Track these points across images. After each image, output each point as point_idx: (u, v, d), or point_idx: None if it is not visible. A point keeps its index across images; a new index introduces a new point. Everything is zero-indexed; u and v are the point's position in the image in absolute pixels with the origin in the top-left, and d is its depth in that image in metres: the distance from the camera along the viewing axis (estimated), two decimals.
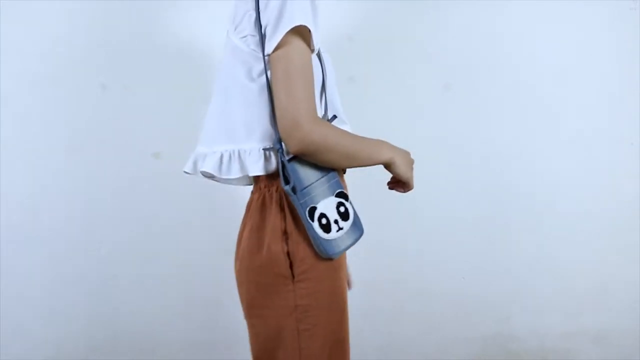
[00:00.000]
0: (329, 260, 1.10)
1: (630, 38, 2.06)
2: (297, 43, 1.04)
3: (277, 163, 1.08)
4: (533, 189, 2.08)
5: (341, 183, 1.13)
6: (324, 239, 1.08)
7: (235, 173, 1.11)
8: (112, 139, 1.96)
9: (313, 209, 1.08)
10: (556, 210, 2.08)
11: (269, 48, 1.04)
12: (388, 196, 2.05)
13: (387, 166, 1.16)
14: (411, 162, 1.21)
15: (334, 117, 1.14)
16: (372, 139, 1.15)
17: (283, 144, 1.06)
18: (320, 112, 1.13)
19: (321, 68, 1.15)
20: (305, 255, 1.09)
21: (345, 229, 1.11)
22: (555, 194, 2.08)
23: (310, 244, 1.09)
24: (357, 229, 1.13)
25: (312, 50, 1.08)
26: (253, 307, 1.14)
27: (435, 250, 2.08)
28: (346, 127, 1.19)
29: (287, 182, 1.07)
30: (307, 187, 1.08)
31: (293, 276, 1.09)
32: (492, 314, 2.10)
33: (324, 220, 1.08)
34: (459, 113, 2.05)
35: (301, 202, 1.07)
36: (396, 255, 2.06)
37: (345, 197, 1.12)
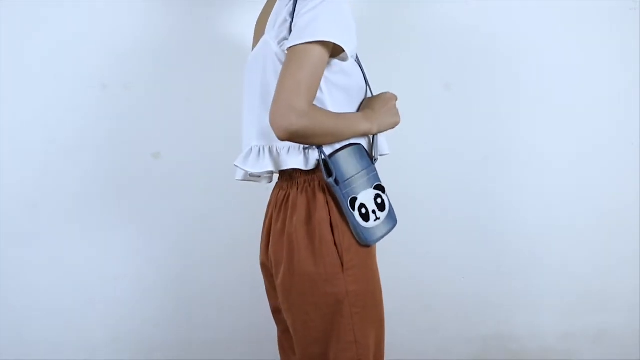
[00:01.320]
0: (367, 247, 1.21)
1: (630, 38, 2.06)
2: (313, 51, 1.09)
3: (318, 158, 1.17)
4: (533, 188, 2.08)
5: (378, 176, 1.23)
6: (363, 227, 1.18)
7: (266, 166, 1.20)
8: (112, 139, 1.96)
9: (354, 199, 1.18)
10: (556, 209, 2.08)
11: (287, 46, 1.12)
12: (388, 197, 2.06)
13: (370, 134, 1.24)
14: (391, 108, 1.26)
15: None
16: (350, 114, 1.20)
17: None
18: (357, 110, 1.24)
19: (363, 75, 1.25)
20: (351, 244, 1.18)
21: (381, 219, 1.21)
22: (555, 194, 2.08)
23: (352, 234, 1.18)
24: (392, 219, 1.24)
25: (344, 59, 1.17)
26: (305, 295, 1.19)
27: (435, 250, 2.08)
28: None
29: (329, 175, 1.16)
30: (348, 179, 1.17)
31: (342, 264, 1.17)
32: (492, 314, 2.10)
33: (363, 210, 1.19)
34: (459, 113, 2.04)
35: (343, 192, 1.16)
36: (396, 255, 2.06)
37: (383, 189, 1.23)
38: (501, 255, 2.08)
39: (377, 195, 1.22)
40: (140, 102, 1.97)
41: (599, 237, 2.09)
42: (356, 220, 1.17)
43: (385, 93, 1.27)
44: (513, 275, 2.09)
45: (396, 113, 1.27)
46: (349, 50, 1.15)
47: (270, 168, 1.20)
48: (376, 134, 1.25)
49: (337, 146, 1.18)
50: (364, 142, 1.23)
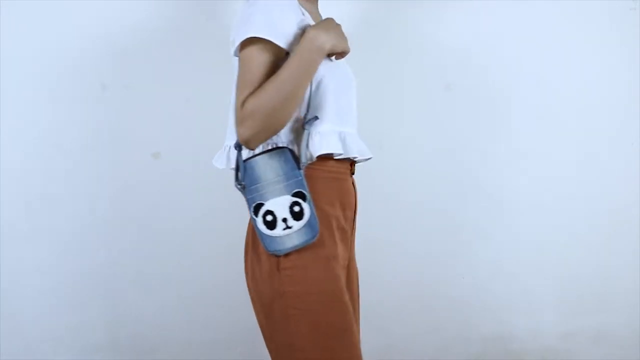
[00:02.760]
0: (316, 249, 1.15)
1: (630, 38, 2.06)
2: (251, 51, 1.13)
3: (236, 160, 1.16)
4: (533, 188, 2.08)
5: (305, 183, 1.13)
6: (265, 234, 1.14)
7: (220, 164, 1.24)
8: (112, 139, 1.96)
9: (259, 205, 1.14)
10: (556, 210, 2.08)
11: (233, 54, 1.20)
12: (388, 196, 2.06)
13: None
14: (341, 33, 1.19)
15: (315, 117, 1.16)
16: (295, 58, 1.11)
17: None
18: (302, 112, 1.17)
19: (337, 73, 1.21)
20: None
21: (294, 229, 1.13)
22: (556, 194, 2.08)
23: None
24: (310, 230, 1.13)
25: (284, 51, 1.13)
26: (251, 291, 1.24)
27: (435, 250, 2.08)
28: (350, 130, 1.23)
29: (236, 178, 1.16)
30: (257, 184, 1.14)
31: (278, 263, 1.15)
32: (492, 314, 2.10)
33: (269, 217, 1.13)
34: (459, 113, 2.04)
35: (248, 197, 1.15)
36: (396, 255, 2.06)
37: (304, 197, 1.13)
38: (501, 255, 2.08)
39: (295, 203, 1.13)
40: (140, 102, 1.97)
41: (599, 237, 2.09)
42: (257, 227, 1.14)
43: (331, 19, 1.19)
44: (513, 275, 2.09)
45: (346, 39, 1.20)
46: (272, 38, 1.11)
47: (222, 166, 1.24)
48: (329, 54, 1.17)
49: (257, 150, 1.15)
50: (294, 147, 1.17)
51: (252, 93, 1.10)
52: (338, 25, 1.19)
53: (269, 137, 1.13)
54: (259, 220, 1.14)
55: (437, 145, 2.05)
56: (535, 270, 2.09)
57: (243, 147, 1.14)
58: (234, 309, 2.01)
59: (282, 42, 1.12)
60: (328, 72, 1.19)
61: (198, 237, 1.99)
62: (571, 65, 2.06)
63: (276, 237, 1.14)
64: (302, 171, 1.14)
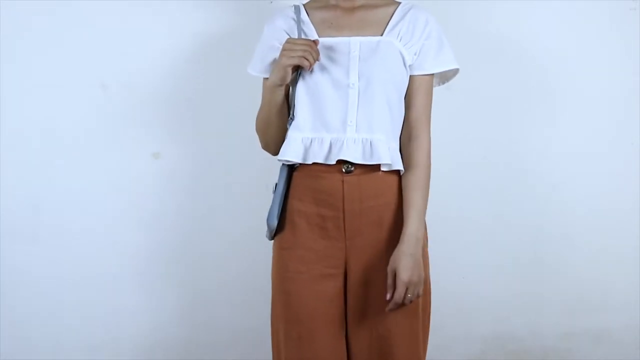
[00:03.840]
0: (277, 239, 1.33)
1: (630, 38, 2.06)
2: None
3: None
4: (533, 188, 2.07)
5: (283, 172, 1.32)
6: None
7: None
8: (112, 139, 1.96)
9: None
10: (556, 209, 2.08)
11: None
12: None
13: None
14: (276, 67, 1.28)
15: (290, 119, 1.32)
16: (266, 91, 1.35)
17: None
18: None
19: (310, 82, 1.30)
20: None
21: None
22: (555, 194, 2.08)
23: None
24: (268, 218, 1.32)
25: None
26: None
27: (435, 250, 2.07)
28: (323, 136, 1.29)
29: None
30: (276, 185, 1.34)
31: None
32: (492, 314, 2.10)
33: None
34: (459, 113, 2.04)
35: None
36: None
37: (274, 187, 1.33)
38: (501, 255, 2.08)
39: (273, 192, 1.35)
40: (141, 102, 1.97)
41: (599, 237, 2.08)
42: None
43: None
44: (513, 275, 2.09)
45: (282, 55, 1.25)
46: (256, 72, 1.38)
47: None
48: (278, 83, 1.29)
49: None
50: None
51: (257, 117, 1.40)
52: (287, 41, 1.27)
53: (274, 150, 1.36)
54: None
55: (435, 145, 2.04)
56: (535, 270, 2.09)
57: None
58: (234, 309, 2.02)
59: (259, 71, 1.38)
60: (301, 81, 1.30)
61: (198, 237, 1.99)
62: (571, 65, 2.06)
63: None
64: (282, 170, 1.33)
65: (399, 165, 1.32)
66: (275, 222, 1.29)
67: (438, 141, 2.07)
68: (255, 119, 1.41)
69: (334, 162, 1.26)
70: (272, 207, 1.30)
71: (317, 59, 1.25)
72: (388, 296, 1.22)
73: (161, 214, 1.99)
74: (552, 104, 2.07)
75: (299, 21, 1.32)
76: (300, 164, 1.29)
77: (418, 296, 1.26)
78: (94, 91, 1.94)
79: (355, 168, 1.27)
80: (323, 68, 1.27)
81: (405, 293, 1.23)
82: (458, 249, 2.07)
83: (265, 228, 1.34)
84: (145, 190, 1.97)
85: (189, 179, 1.98)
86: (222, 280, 2.01)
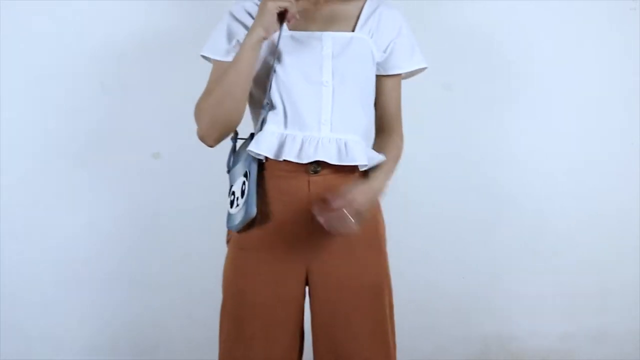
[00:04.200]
0: (236, 239, 1.26)
1: (630, 38, 2.06)
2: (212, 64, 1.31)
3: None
4: (533, 188, 2.08)
5: (254, 164, 1.21)
6: (228, 212, 1.26)
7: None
8: (112, 139, 1.96)
9: (231, 187, 1.27)
10: (556, 209, 2.08)
11: None
12: (388, 196, 2.06)
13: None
14: (262, 10, 1.20)
15: (268, 104, 1.23)
16: (234, 60, 1.22)
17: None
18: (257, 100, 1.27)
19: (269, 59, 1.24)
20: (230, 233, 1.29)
21: (239, 207, 1.21)
22: (556, 194, 2.08)
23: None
24: (245, 209, 1.19)
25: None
26: None
27: (435, 250, 2.08)
28: (296, 134, 1.23)
29: (227, 166, 1.31)
30: (232, 169, 1.28)
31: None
32: (492, 314, 2.10)
33: (231, 197, 1.25)
34: (459, 113, 2.04)
35: (230, 180, 1.28)
36: (396, 255, 2.06)
37: (247, 176, 1.22)
38: (501, 256, 2.08)
39: (243, 183, 1.21)
40: (140, 102, 1.97)
41: (598, 237, 2.08)
42: (228, 206, 1.26)
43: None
44: (513, 275, 2.09)
45: (264, 12, 1.18)
46: (213, 54, 1.29)
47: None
48: (262, 35, 1.19)
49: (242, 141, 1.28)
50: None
51: (201, 98, 1.27)
52: (261, 6, 1.19)
53: (222, 133, 1.25)
54: (229, 200, 1.25)
55: (436, 145, 2.05)
56: (535, 271, 2.09)
57: (236, 139, 1.30)
58: None
59: (214, 54, 1.30)
60: (283, 71, 1.23)
61: (198, 237, 1.99)
62: (571, 65, 2.06)
63: (231, 214, 1.24)
64: (248, 154, 1.22)
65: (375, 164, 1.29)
66: (255, 211, 1.18)
67: (437, 141, 2.08)
68: (198, 103, 1.27)
69: (306, 162, 1.20)
70: (249, 196, 1.18)
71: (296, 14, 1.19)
72: (333, 204, 1.14)
73: (161, 213, 1.99)
74: (552, 104, 2.07)
75: None
76: (266, 159, 1.22)
77: (354, 225, 1.15)
78: (94, 91, 1.94)
79: (322, 169, 1.22)
80: (294, 62, 1.22)
81: (346, 210, 1.13)
82: (458, 249, 2.07)
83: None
84: (145, 190, 1.97)
85: (189, 179, 1.98)
86: (222, 280, 2.00)
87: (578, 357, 2.11)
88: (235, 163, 1.28)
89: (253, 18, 1.24)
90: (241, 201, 1.19)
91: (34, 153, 1.93)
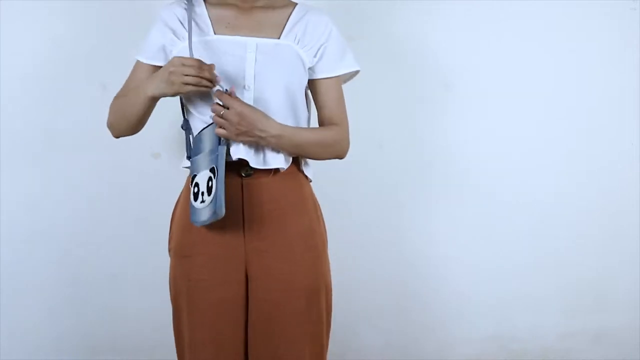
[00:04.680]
0: (178, 247, 1.33)
1: (630, 38, 2.06)
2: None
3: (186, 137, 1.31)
4: (533, 188, 2.08)
5: (222, 160, 1.19)
6: (191, 204, 1.23)
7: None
8: (112, 139, 1.95)
9: (194, 176, 1.24)
10: (556, 209, 2.08)
11: None
12: (387, 196, 2.06)
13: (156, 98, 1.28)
14: (165, 72, 1.21)
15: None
16: (137, 88, 1.29)
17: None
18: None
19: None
20: (172, 230, 1.38)
21: (206, 203, 1.20)
22: (555, 194, 2.08)
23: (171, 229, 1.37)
24: (212, 207, 1.18)
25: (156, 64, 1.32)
26: None
27: (435, 250, 2.08)
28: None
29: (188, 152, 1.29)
30: (196, 156, 1.25)
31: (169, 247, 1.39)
32: (492, 314, 2.10)
33: (195, 189, 1.22)
34: (459, 113, 2.05)
35: (191, 168, 1.26)
36: (396, 255, 2.06)
37: (214, 173, 1.19)
38: (501, 255, 2.08)
39: (210, 179, 1.19)
40: None
41: (598, 237, 2.09)
42: (190, 196, 1.23)
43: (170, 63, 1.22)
44: (513, 275, 2.09)
45: (167, 79, 1.20)
46: (145, 59, 1.34)
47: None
48: (154, 97, 1.27)
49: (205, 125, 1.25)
50: None
51: (117, 95, 1.37)
52: (174, 62, 1.20)
53: (124, 134, 1.41)
54: (192, 190, 1.23)
55: (436, 145, 2.05)
56: (535, 270, 2.09)
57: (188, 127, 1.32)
58: None
59: (143, 57, 1.35)
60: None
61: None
62: (571, 65, 2.06)
63: (197, 209, 1.22)
64: (224, 147, 1.21)
65: (300, 165, 1.33)
66: (223, 212, 1.17)
67: (438, 141, 2.08)
68: (114, 98, 1.38)
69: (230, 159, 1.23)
70: (218, 194, 1.17)
71: (216, 80, 1.20)
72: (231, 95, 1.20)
73: (161, 213, 1.98)
74: (552, 104, 2.07)
75: (190, 14, 1.28)
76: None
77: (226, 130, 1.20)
78: (94, 91, 1.94)
79: (254, 172, 1.26)
80: (218, 68, 1.23)
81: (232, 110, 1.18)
82: (458, 249, 2.07)
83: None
84: (145, 190, 1.97)
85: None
86: None
87: (577, 356, 2.11)
88: (197, 151, 1.26)
89: (182, 24, 1.29)
90: (208, 198, 1.19)
91: (34, 153, 1.93)
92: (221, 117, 1.19)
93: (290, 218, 1.28)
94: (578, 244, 2.08)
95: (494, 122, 2.06)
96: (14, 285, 1.94)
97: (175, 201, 1.42)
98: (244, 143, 1.23)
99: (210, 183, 1.19)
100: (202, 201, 1.20)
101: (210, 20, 1.30)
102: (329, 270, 1.34)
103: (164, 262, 2.00)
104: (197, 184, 1.22)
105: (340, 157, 1.36)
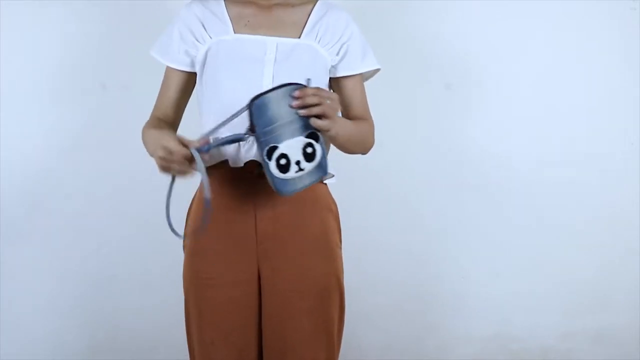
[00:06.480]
0: (191, 245, 1.31)
1: (630, 38, 2.06)
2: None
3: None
4: (533, 188, 2.08)
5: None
6: (278, 178, 1.11)
7: None
8: (112, 139, 1.96)
9: (273, 148, 1.10)
10: (556, 209, 2.08)
11: None
12: (388, 196, 2.06)
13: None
14: (155, 151, 1.22)
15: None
16: (155, 138, 1.29)
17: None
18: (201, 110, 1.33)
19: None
20: (190, 230, 1.33)
21: (306, 170, 1.12)
22: (555, 194, 2.08)
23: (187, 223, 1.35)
24: (321, 170, 1.14)
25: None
26: None
27: (435, 250, 2.08)
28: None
29: (251, 128, 1.11)
30: (271, 126, 1.09)
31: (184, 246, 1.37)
32: (492, 314, 2.10)
33: (282, 161, 1.10)
34: (459, 113, 2.05)
35: (262, 140, 1.09)
36: (396, 255, 2.06)
37: (317, 138, 1.11)
38: (501, 255, 2.08)
39: (308, 145, 1.11)
40: (140, 102, 1.96)
41: (598, 237, 2.09)
42: (270, 171, 1.11)
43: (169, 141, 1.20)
44: (513, 275, 2.09)
45: (160, 161, 1.19)
46: (161, 58, 1.34)
47: None
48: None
49: (267, 88, 1.11)
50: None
51: (151, 115, 1.44)
52: (159, 147, 1.19)
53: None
54: (272, 164, 1.10)
55: (437, 145, 2.05)
56: (535, 270, 2.09)
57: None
58: None
59: (163, 56, 1.35)
60: (210, 79, 1.27)
61: None
62: (571, 65, 2.06)
63: (288, 179, 1.12)
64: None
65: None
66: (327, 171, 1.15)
67: (438, 140, 2.08)
68: (143, 127, 1.41)
69: (242, 164, 1.21)
70: (323, 156, 1.13)
71: (188, 171, 1.21)
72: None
73: (161, 213, 1.98)
74: (553, 104, 2.07)
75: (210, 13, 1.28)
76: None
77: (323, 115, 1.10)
78: (94, 91, 1.94)
79: None
80: (236, 68, 1.22)
81: (315, 101, 1.09)
82: (458, 249, 2.07)
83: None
84: (145, 190, 1.97)
85: (189, 179, 1.97)
86: None
87: (577, 356, 2.11)
88: (266, 123, 1.10)
89: (203, 25, 1.27)
90: (307, 165, 1.12)
91: (34, 153, 1.93)
92: (322, 110, 1.10)
93: (302, 217, 1.26)
94: (578, 244, 2.08)
95: (493, 122, 2.06)
96: (14, 285, 1.94)
97: (179, 200, 1.41)
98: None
99: (309, 149, 1.11)
100: (300, 170, 1.11)
101: (230, 19, 1.27)
102: (342, 270, 1.33)
103: (164, 262, 2.01)
104: (283, 156, 1.10)
105: (365, 153, 1.36)
